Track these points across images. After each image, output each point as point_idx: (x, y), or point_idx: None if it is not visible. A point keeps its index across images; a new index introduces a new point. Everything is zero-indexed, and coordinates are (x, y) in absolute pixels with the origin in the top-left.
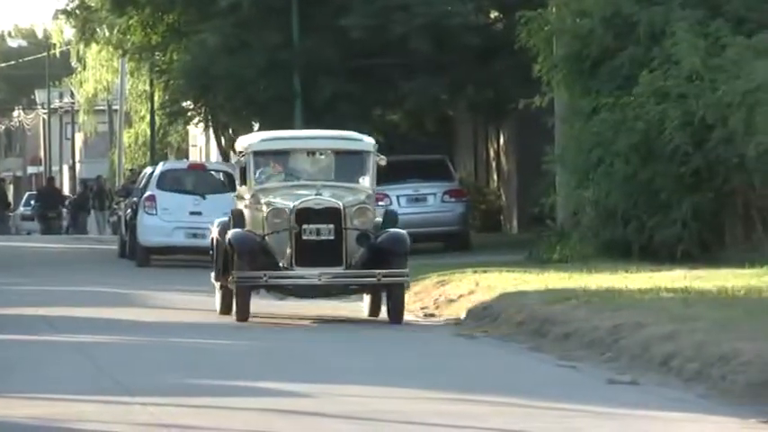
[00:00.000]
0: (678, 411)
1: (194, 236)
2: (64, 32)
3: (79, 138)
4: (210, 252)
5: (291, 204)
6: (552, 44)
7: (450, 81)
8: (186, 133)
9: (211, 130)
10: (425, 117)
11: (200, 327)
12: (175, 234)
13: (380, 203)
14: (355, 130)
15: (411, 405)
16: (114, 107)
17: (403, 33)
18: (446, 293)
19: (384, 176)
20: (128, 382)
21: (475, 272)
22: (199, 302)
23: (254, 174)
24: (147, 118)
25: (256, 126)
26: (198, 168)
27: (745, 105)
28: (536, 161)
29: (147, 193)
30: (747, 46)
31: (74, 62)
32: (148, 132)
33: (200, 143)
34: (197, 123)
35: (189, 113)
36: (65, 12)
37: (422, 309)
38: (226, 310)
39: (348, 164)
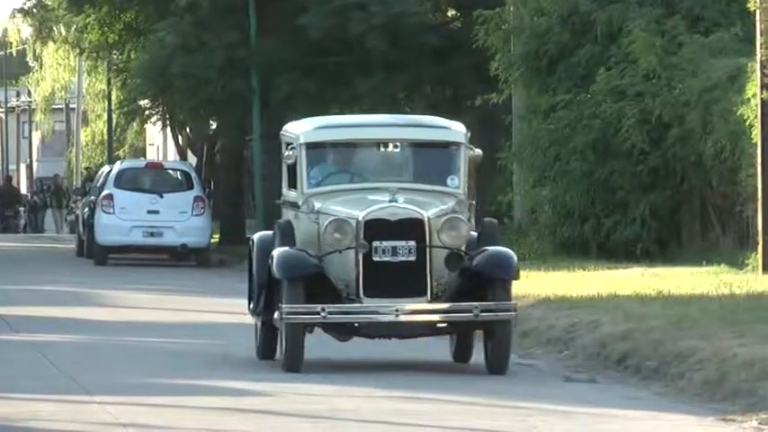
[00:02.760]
0: (635, 409)
1: (152, 234)
2: (21, 31)
3: (36, 137)
4: (248, 276)
5: (358, 214)
6: (510, 42)
7: (407, 79)
8: (144, 132)
9: (169, 129)
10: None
11: (158, 326)
12: (133, 233)
13: None
14: None
15: (367, 403)
16: (72, 106)
17: (360, 32)
18: None
19: None
20: (86, 381)
21: None
22: (157, 301)
23: (307, 173)
24: (105, 117)
25: (213, 125)
26: (155, 167)
27: (702, 104)
28: (494, 159)
29: (105, 192)
30: (704, 44)
31: (30, 61)
32: (106, 131)
33: (158, 142)
34: (155, 122)
35: (146, 112)
36: (22, 10)
37: None
38: (269, 353)
39: (432, 159)
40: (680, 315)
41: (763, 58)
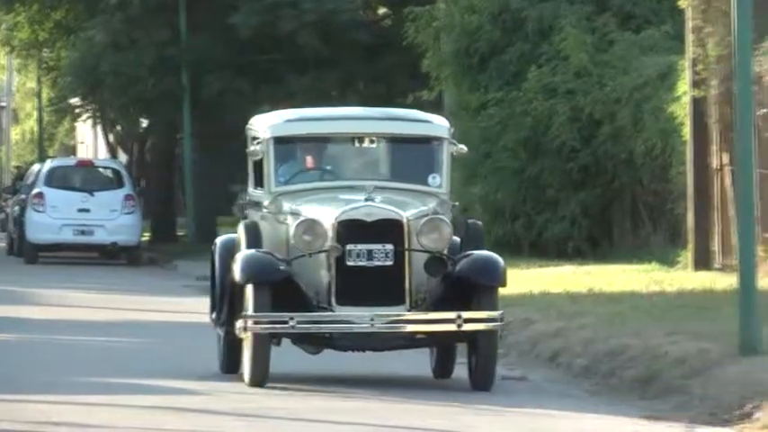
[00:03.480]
0: (566, 407)
1: (83, 233)
2: None
3: None
4: (210, 283)
5: (331, 215)
6: (440, 40)
7: (340, 76)
8: (74, 130)
9: (99, 127)
10: None
11: (91, 324)
12: (64, 231)
13: None
14: (243, 127)
15: (300, 402)
16: (1, 104)
17: (292, 30)
18: None
19: None
20: (18, 379)
21: None
22: (89, 300)
23: (275, 170)
24: (35, 115)
25: (144, 123)
26: (86, 165)
27: (633, 101)
28: None
29: (36, 191)
30: (634, 42)
31: None
32: (36, 129)
33: (89, 140)
34: (85, 120)
35: (77, 110)
36: None
37: None
38: (232, 366)
39: (412, 156)
40: (611, 313)
41: (694, 56)
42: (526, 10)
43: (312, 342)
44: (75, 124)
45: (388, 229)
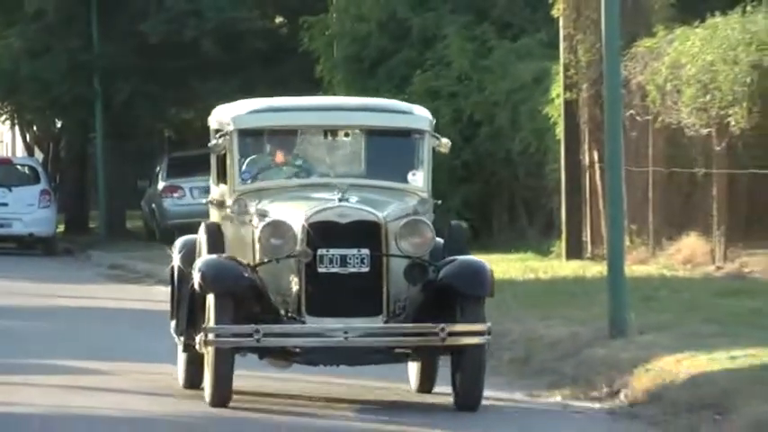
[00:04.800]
0: (448, 385)
1: (1, 225)
2: None
3: None
4: (170, 289)
5: (300, 216)
6: (333, 47)
7: (241, 82)
8: None
9: (17, 127)
10: None
11: (8, 310)
12: None
13: (175, 195)
14: (151, 128)
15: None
16: None
17: (195, 37)
18: None
19: (178, 170)
20: None
21: None
22: (6, 287)
23: (239, 166)
24: None
25: (59, 124)
26: (4, 163)
27: (510, 104)
28: None
29: None
30: (512, 49)
31: None
32: None
33: (7, 139)
34: (3, 121)
35: None
36: None
37: None
38: (195, 380)
39: (391, 150)
40: (493, 300)
41: (566, 62)
42: (411, 19)
43: (280, 356)
44: None
45: (364, 232)
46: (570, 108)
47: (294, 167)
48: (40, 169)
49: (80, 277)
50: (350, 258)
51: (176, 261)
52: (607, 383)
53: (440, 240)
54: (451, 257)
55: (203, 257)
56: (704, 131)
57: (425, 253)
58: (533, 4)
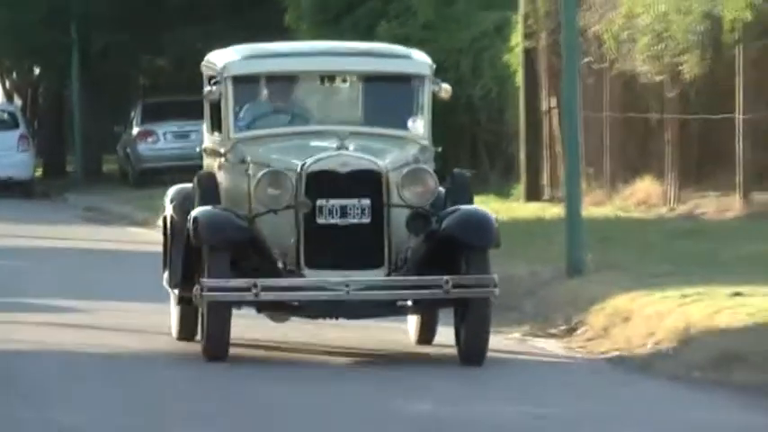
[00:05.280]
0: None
1: None
2: None
3: None
4: (165, 244)
5: (299, 165)
6: None
7: (207, 31)
8: None
9: None
10: (187, 63)
11: None
12: None
13: (149, 140)
14: (126, 75)
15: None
16: None
17: None
18: None
19: (152, 116)
20: None
21: None
22: None
23: (234, 113)
24: None
25: (37, 71)
26: None
27: (473, 51)
28: None
29: None
30: None
31: None
32: None
33: None
34: None
35: None
36: None
37: None
38: (188, 333)
39: (390, 97)
40: None
41: (526, 11)
42: None
43: (278, 310)
44: None
45: (365, 182)
46: (529, 56)
47: (291, 115)
48: (18, 115)
49: (57, 219)
50: (350, 209)
51: (169, 211)
52: (565, 321)
53: (441, 189)
54: (454, 207)
55: (198, 208)
56: (658, 79)
57: (428, 202)
58: None
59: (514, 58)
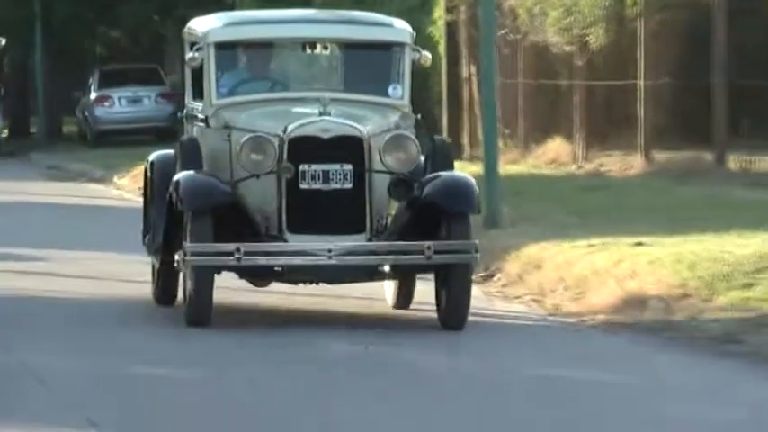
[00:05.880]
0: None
1: None
2: None
3: None
4: (146, 207)
5: (281, 130)
6: None
7: (160, 4)
8: None
9: None
10: (141, 34)
11: None
12: None
13: (105, 104)
14: (85, 45)
15: (129, 267)
16: None
17: None
18: None
19: (108, 82)
20: None
21: None
22: None
23: (216, 79)
24: None
25: (3, 41)
26: None
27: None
28: None
29: None
30: None
31: None
32: None
33: None
34: None
35: None
36: None
37: None
38: (167, 298)
39: (371, 63)
40: None
41: None
42: None
43: (260, 275)
44: None
45: (347, 148)
46: (451, 28)
47: (272, 81)
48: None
49: (22, 176)
50: (332, 174)
51: (151, 175)
52: (484, 268)
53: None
54: (435, 174)
55: (180, 174)
56: (567, 49)
57: (409, 169)
58: None
59: (437, 31)
